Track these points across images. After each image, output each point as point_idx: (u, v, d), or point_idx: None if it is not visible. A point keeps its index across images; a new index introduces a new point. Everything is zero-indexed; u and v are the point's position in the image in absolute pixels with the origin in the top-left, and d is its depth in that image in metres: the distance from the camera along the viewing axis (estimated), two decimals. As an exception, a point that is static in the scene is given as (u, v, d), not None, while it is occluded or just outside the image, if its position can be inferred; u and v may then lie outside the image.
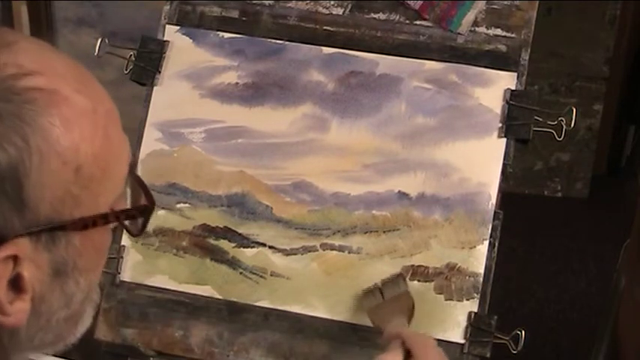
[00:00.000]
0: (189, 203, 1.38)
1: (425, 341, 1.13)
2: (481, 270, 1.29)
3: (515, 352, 1.24)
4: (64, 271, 0.69)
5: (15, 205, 0.63)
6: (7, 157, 0.62)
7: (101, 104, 0.70)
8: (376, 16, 1.41)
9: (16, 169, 0.63)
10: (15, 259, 0.65)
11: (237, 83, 1.41)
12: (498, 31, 1.37)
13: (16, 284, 0.66)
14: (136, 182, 0.74)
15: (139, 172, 1.39)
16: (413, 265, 1.31)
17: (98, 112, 0.69)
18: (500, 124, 1.33)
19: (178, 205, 1.38)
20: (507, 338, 1.25)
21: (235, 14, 1.44)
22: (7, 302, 0.66)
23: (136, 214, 0.73)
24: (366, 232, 1.33)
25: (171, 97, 1.42)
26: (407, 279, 1.28)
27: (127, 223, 0.73)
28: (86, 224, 0.68)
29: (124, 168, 0.72)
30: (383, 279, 1.28)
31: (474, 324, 1.27)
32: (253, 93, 1.40)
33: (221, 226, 1.37)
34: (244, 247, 1.35)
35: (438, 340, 1.27)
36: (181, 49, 1.43)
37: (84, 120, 0.67)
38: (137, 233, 0.75)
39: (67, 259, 0.69)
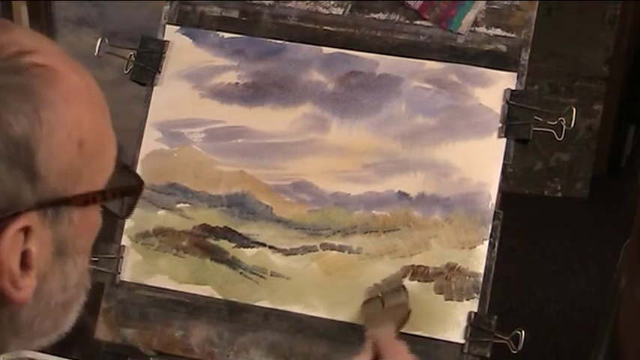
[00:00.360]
0: (189, 203, 1.38)
1: (397, 348, 1.15)
2: (481, 270, 1.29)
3: (515, 352, 1.24)
4: (64, 251, 0.71)
5: (28, 175, 0.65)
6: (21, 127, 0.64)
7: (93, 85, 0.73)
8: (376, 16, 1.41)
9: (28, 138, 0.64)
10: (26, 232, 0.66)
11: (237, 83, 1.41)
12: (498, 31, 1.37)
13: (24, 260, 0.67)
14: (122, 165, 0.76)
15: (139, 172, 1.39)
16: (413, 265, 1.31)
17: (92, 91, 0.72)
18: (500, 124, 1.33)
19: (178, 205, 1.38)
20: (507, 338, 1.25)
21: (235, 14, 1.44)
22: (19, 276, 0.67)
23: (129, 191, 0.76)
24: (366, 232, 1.33)
25: (171, 97, 1.42)
26: (407, 291, 1.28)
27: (116, 203, 0.76)
28: (87, 200, 0.70)
29: (114, 148, 0.75)
30: (387, 288, 1.28)
31: (474, 324, 1.27)
32: (253, 93, 1.40)
33: (221, 226, 1.37)
34: (244, 247, 1.35)
35: (438, 340, 1.27)
36: (181, 49, 1.43)
37: (82, 96, 0.70)
38: (125, 215, 0.78)
39: (67, 237, 0.70)
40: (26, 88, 0.65)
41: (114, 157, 0.74)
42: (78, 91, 0.70)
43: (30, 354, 1.31)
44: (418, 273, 1.30)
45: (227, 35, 1.43)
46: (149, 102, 1.42)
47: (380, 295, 1.27)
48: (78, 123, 0.69)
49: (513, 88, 1.34)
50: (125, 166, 0.76)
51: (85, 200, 0.70)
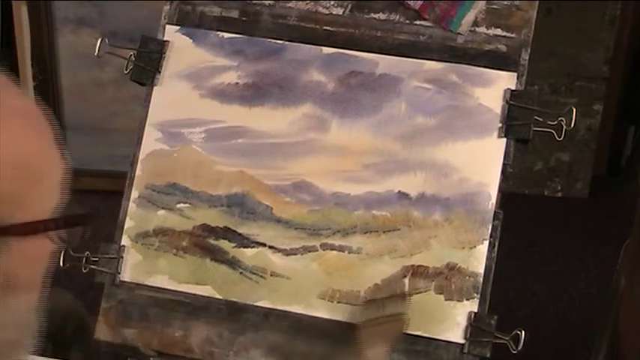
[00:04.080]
0: (189, 203, 1.38)
1: None
2: (481, 270, 1.29)
3: (515, 352, 1.24)
4: (5, 284, 0.66)
5: None
6: None
7: (34, 110, 0.70)
8: (376, 16, 1.41)
9: None
10: None
11: (237, 83, 1.41)
12: (498, 31, 1.37)
13: None
14: (71, 193, 0.72)
15: (139, 171, 1.39)
16: (413, 265, 1.31)
17: (32, 115, 0.69)
18: (500, 124, 1.33)
19: (178, 205, 1.38)
20: (507, 338, 1.25)
21: (235, 14, 1.44)
22: None
23: (77, 221, 0.71)
24: (366, 232, 1.33)
25: (171, 97, 1.42)
26: (409, 301, 1.27)
27: (63, 233, 0.70)
28: (27, 230, 0.66)
29: (59, 174, 0.70)
30: (389, 293, 1.27)
31: (474, 324, 1.27)
32: (253, 93, 1.40)
33: (221, 226, 1.37)
34: (244, 247, 1.35)
35: (438, 340, 1.27)
36: (181, 49, 1.43)
37: (20, 120, 0.67)
38: (74, 244, 0.73)
39: (9, 269, 0.66)
40: None
41: (59, 183, 0.70)
42: (15, 115, 0.66)
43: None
44: (418, 273, 1.30)
45: (227, 35, 1.43)
46: (149, 102, 1.42)
47: (381, 298, 1.27)
48: (14, 146, 0.65)
49: (513, 88, 1.34)
50: (73, 196, 0.72)
51: (25, 230, 0.66)
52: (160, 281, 1.36)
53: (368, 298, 1.29)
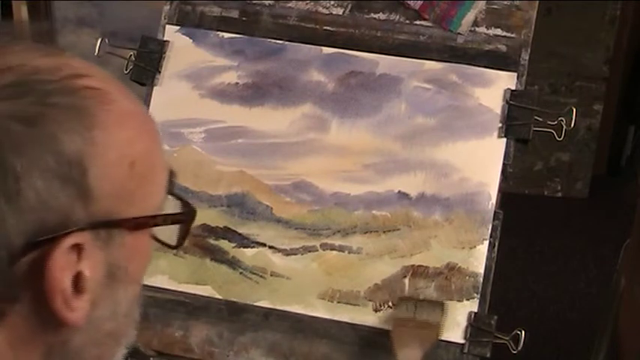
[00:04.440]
0: (189, 203, 1.38)
1: None
2: (481, 270, 1.29)
3: (515, 352, 1.24)
4: (116, 276, 0.71)
5: (80, 193, 0.65)
6: (74, 145, 0.65)
7: (143, 110, 0.75)
8: (376, 16, 1.41)
9: (81, 157, 0.65)
10: (79, 251, 0.66)
11: (237, 83, 1.41)
12: (498, 31, 1.37)
13: (76, 283, 0.67)
14: (174, 193, 0.77)
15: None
16: (413, 265, 1.31)
17: (142, 116, 0.73)
18: (500, 124, 1.33)
19: (178, 205, 1.38)
20: (507, 338, 1.25)
21: (235, 14, 1.44)
22: (72, 297, 0.67)
23: (182, 218, 0.76)
24: (366, 232, 1.33)
25: (171, 97, 1.42)
26: (445, 312, 1.26)
27: (165, 233, 0.75)
28: (138, 224, 0.70)
29: (165, 175, 0.75)
30: (425, 297, 1.27)
31: (474, 324, 1.27)
32: (253, 93, 1.40)
33: (221, 226, 1.37)
34: (244, 247, 1.35)
35: (438, 340, 1.27)
36: (181, 49, 1.43)
37: (134, 119, 0.71)
38: (176, 244, 0.77)
39: (119, 261, 0.70)
40: (80, 109, 0.66)
41: (165, 183, 0.75)
42: (130, 114, 0.71)
43: None
44: (418, 273, 1.30)
45: (227, 35, 1.43)
46: (149, 102, 1.42)
47: (415, 300, 1.26)
48: (130, 144, 0.69)
49: (513, 88, 1.34)
50: (178, 195, 0.76)
51: (136, 224, 0.70)
52: (160, 281, 1.36)
53: (402, 297, 1.28)
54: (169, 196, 0.76)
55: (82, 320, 0.68)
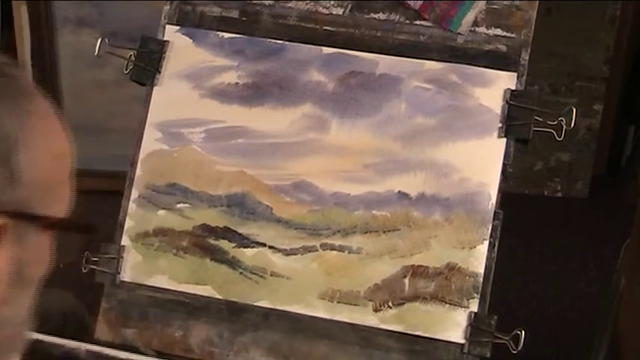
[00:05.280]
0: (189, 203, 1.38)
1: None
2: (481, 270, 1.29)
3: (515, 352, 1.24)
4: (23, 276, 0.68)
5: (8, 174, 0.65)
6: (12, 126, 0.65)
7: (53, 109, 0.74)
8: (376, 16, 1.41)
9: (17, 138, 0.65)
10: None
11: (237, 83, 1.41)
12: (498, 31, 1.37)
13: None
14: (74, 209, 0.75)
15: (139, 171, 1.39)
16: (413, 265, 1.31)
17: (55, 113, 0.72)
18: (500, 124, 1.33)
19: (178, 205, 1.38)
20: (507, 338, 1.25)
21: (235, 14, 1.44)
22: None
23: (85, 229, 0.73)
24: (366, 232, 1.33)
25: (171, 97, 1.42)
26: None
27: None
28: (52, 223, 0.69)
29: (71, 176, 0.73)
30: None
31: (474, 324, 1.27)
32: (253, 93, 1.40)
33: (221, 226, 1.37)
34: (244, 247, 1.35)
35: (438, 340, 1.27)
36: (181, 49, 1.43)
37: (56, 119, 0.71)
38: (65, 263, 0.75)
39: (29, 261, 0.68)
40: (14, 94, 0.67)
41: (69, 199, 0.73)
42: (51, 112, 0.71)
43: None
44: (418, 273, 1.30)
45: (227, 35, 1.43)
46: (149, 102, 1.42)
47: None
48: (58, 138, 0.70)
49: (513, 88, 1.34)
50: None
51: (51, 223, 0.69)
52: (160, 281, 1.36)
53: None
54: None
55: None
